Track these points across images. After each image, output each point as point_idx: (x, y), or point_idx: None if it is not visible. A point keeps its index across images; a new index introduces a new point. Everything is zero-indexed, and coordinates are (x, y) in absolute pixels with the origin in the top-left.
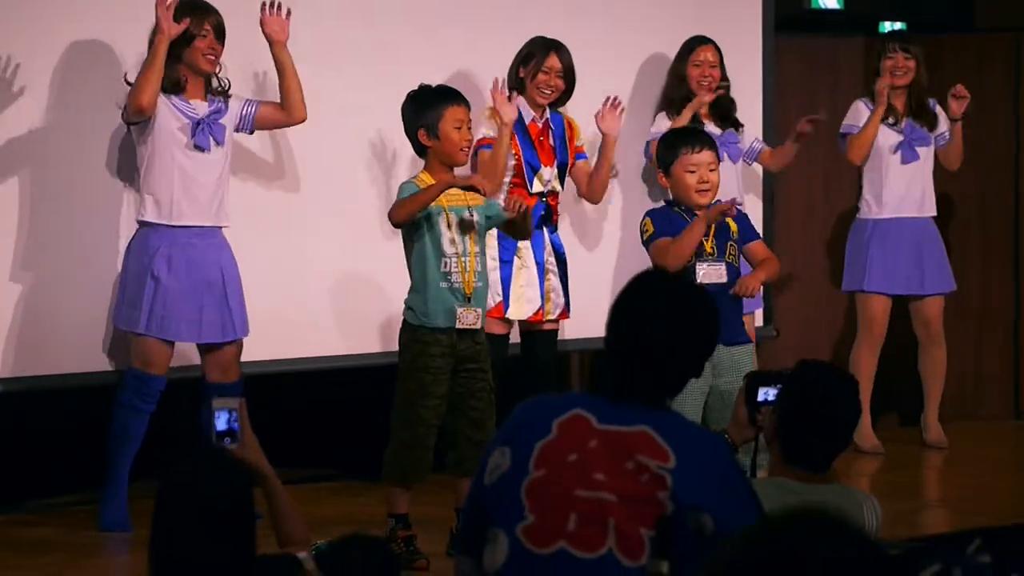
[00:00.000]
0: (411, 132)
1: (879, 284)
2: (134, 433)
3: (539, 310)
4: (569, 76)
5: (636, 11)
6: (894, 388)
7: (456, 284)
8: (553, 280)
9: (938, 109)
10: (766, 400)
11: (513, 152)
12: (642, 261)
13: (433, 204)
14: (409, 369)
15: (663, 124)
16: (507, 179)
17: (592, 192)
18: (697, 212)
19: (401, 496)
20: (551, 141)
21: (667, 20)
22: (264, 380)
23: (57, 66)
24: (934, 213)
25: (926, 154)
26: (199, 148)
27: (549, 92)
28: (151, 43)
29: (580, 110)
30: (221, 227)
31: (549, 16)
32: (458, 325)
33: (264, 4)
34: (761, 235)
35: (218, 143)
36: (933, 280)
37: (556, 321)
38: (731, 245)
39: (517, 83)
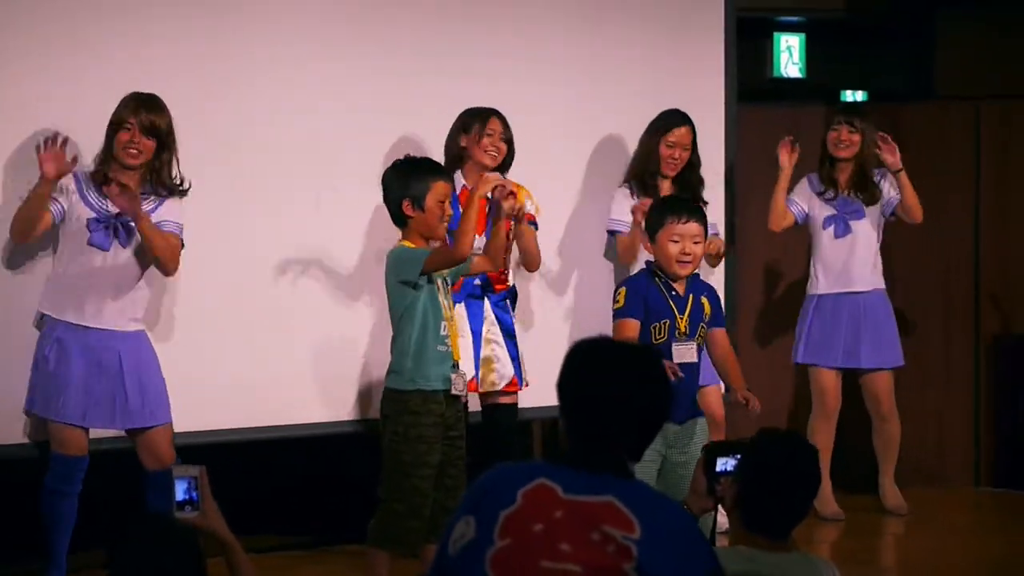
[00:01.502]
0: (394, 201)
1: (817, 357)
2: (65, 515)
3: (471, 379)
4: (510, 141)
5: (599, 79)
6: (853, 454)
7: (449, 349)
8: (497, 350)
9: (889, 179)
10: (725, 470)
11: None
12: (602, 330)
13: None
14: (403, 439)
15: (623, 200)
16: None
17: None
18: (675, 285)
19: (383, 564)
20: (485, 210)
21: (629, 89)
22: (233, 448)
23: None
24: (879, 286)
25: (863, 228)
26: (97, 246)
27: (496, 153)
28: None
29: (542, 178)
30: (119, 331)
31: (508, 84)
32: (453, 391)
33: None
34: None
35: (122, 245)
36: (874, 355)
37: (511, 394)
38: (702, 327)
39: (456, 155)
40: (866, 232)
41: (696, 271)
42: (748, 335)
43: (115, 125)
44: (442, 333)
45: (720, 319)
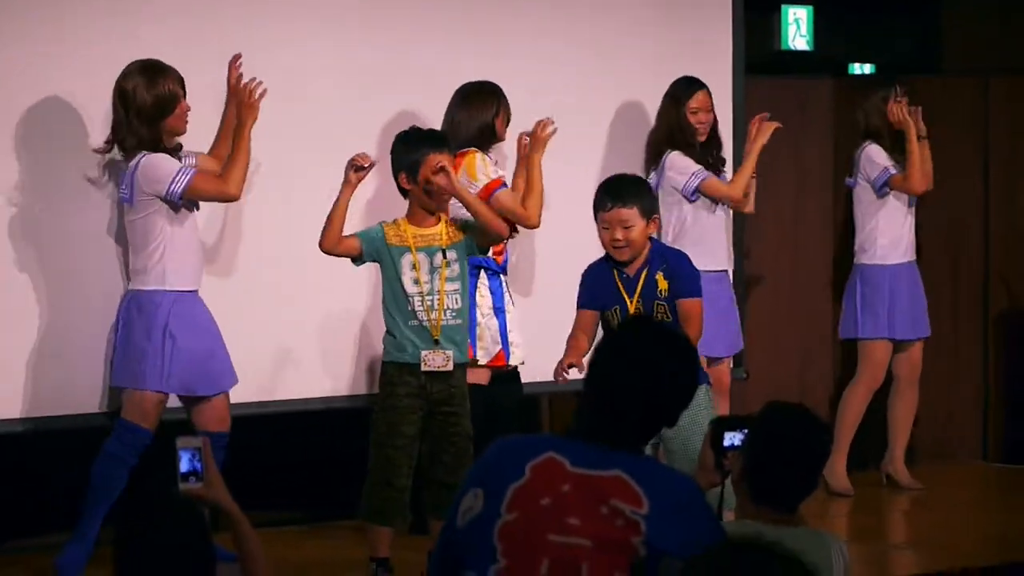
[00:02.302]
0: (394, 174)
1: (894, 330)
2: (116, 484)
3: (499, 351)
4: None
5: (606, 54)
6: (863, 430)
7: (424, 324)
8: (512, 323)
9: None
10: (732, 445)
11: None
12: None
13: (397, 244)
14: (380, 409)
15: (685, 161)
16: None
17: (528, 213)
18: (625, 268)
19: (382, 538)
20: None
21: (638, 63)
22: (242, 423)
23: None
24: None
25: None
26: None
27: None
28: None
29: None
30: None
31: (517, 60)
32: (423, 367)
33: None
34: (701, 293)
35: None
36: (923, 323)
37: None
38: (659, 305)
39: (492, 133)
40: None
41: (647, 247)
42: (757, 309)
43: (169, 99)
44: (408, 309)
45: (685, 290)
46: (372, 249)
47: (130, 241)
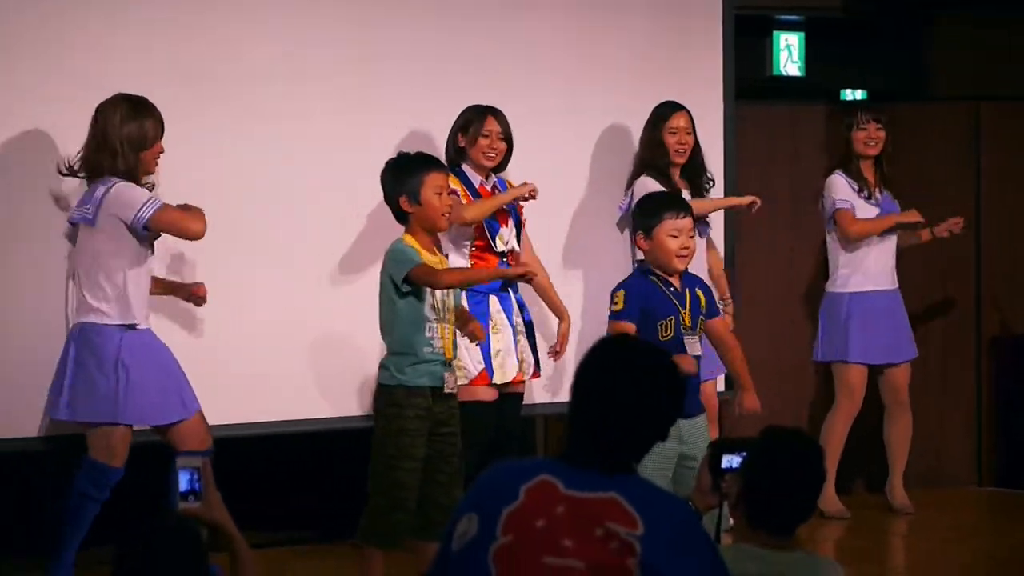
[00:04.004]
0: (392, 199)
1: (860, 355)
2: (88, 519)
3: (518, 372)
4: (508, 139)
5: (595, 79)
6: (860, 454)
7: (439, 349)
8: (523, 340)
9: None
10: (730, 467)
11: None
12: (606, 326)
13: None
14: (386, 432)
15: (655, 186)
16: (468, 242)
17: None
18: (672, 281)
19: (377, 561)
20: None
21: (628, 87)
22: (239, 443)
23: None
24: (898, 284)
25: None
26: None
27: (493, 155)
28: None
29: (544, 177)
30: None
31: (506, 88)
32: (446, 389)
33: None
34: (721, 312)
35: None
36: (906, 348)
37: (520, 383)
38: (701, 319)
39: (457, 152)
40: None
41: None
42: (747, 333)
43: (148, 141)
44: (427, 335)
45: (715, 309)
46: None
47: (82, 269)
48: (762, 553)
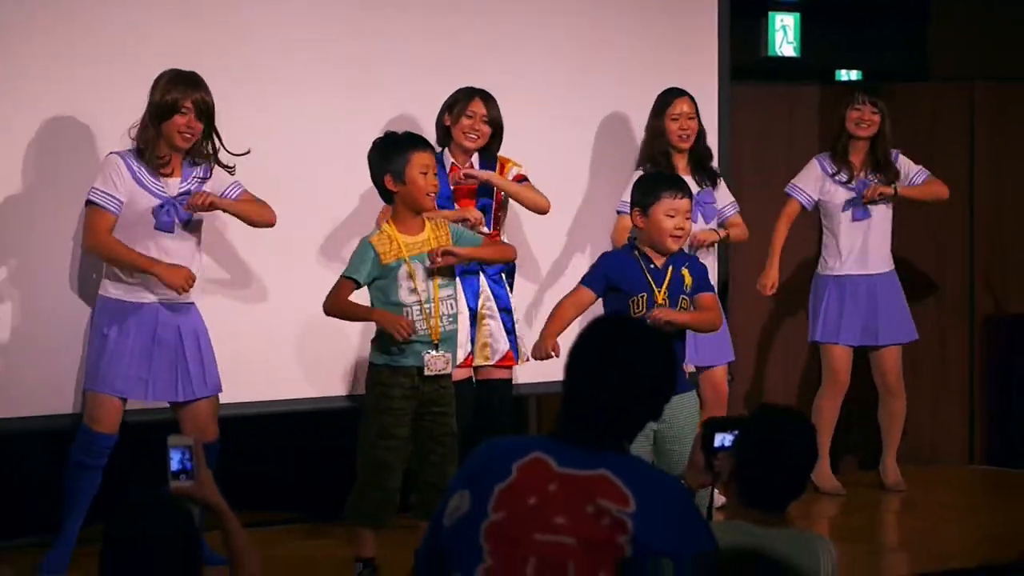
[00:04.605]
0: (378, 178)
1: (834, 336)
2: (85, 489)
3: (468, 355)
4: (494, 123)
5: (594, 62)
6: (854, 432)
7: (423, 331)
8: (492, 325)
9: (900, 160)
10: (723, 446)
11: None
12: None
13: (392, 260)
14: (372, 411)
15: None
16: None
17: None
18: (654, 259)
19: (368, 539)
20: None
21: (623, 69)
22: (229, 423)
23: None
24: (890, 268)
25: (880, 210)
26: (163, 229)
27: (475, 136)
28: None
29: (537, 162)
30: (179, 302)
31: (504, 70)
32: (427, 372)
33: None
34: (715, 289)
35: (182, 221)
36: (889, 331)
37: (506, 369)
38: (683, 299)
39: (443, 132)
40: (883, 214)
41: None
42: (744, 316)
43: (168, 108)
44: (409, 318)
45: (704, 286)
46: (369, 278)
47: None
48: (754, 530)
